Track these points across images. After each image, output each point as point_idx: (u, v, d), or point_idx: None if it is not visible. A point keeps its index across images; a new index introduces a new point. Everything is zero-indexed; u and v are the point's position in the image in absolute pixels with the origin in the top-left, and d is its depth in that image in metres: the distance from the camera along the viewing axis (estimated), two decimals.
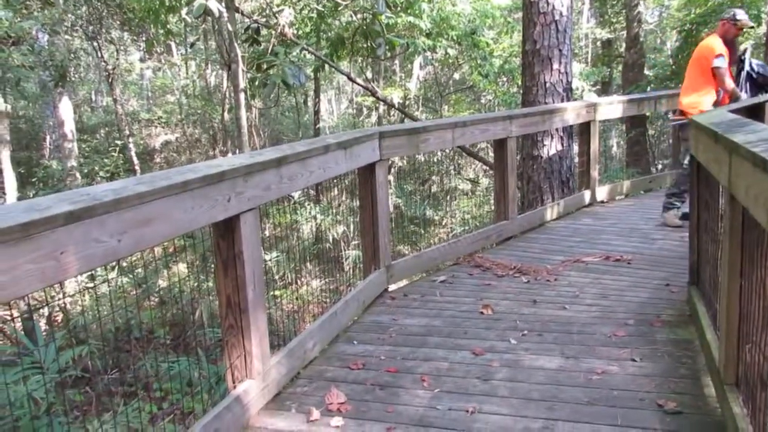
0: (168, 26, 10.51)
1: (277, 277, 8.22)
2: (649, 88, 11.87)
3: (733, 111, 3.46)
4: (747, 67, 5.46)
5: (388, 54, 8.94)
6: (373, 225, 4.02)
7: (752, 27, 6.42)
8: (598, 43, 17.56)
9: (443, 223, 11.32)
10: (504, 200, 5.33)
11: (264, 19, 9.98)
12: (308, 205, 9.59)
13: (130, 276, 8.23)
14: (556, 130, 6.44)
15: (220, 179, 2.35)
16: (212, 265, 3.04)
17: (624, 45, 14.44)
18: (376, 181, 3.97)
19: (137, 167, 14.61)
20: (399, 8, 9.66)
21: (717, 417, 2.44)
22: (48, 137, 17.63)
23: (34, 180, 14.09)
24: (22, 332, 6.42)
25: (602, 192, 6.82)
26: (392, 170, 12.65)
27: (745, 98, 5.24)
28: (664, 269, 4.44)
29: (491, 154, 9.45)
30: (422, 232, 10.94)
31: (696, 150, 3.30)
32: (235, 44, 6.78)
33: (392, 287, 4.29)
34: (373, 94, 11.57)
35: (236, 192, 2.46)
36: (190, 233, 2.62)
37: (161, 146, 17.69)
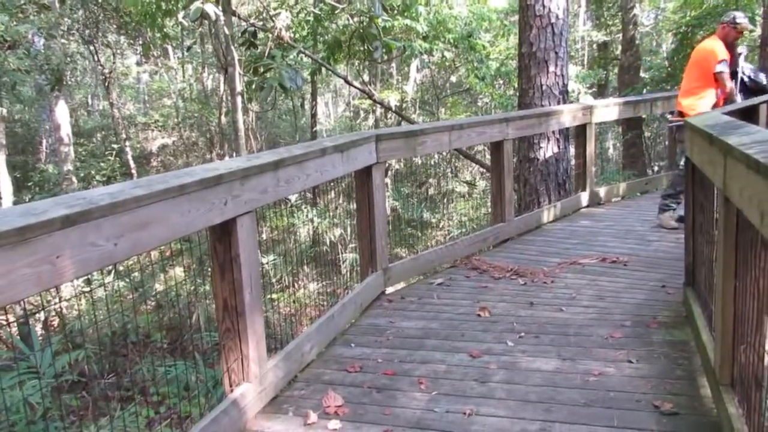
0: (165, 30, 10.51)
1: (274, 280, 8.21)
2: (645, 91, 11.91)
3: (728, 113, 3.48)
4: (740, 73, 5.48)
5: (385, 57, 8.94)
6: (370, 228, 4.03)
7: (752, 30, 6.44)
8: (594, 46, 17.61)
9: (440, 226, 11.32)
10: (501, 202, 5.34)
11: (261, 23, 10.01)
12: (305, 208, 9.58)
13: (127, 280, 8.21)
14: (553, 132, 6.46)
15: (217, 182, 2.35)
16: (209, 269, 3.04)
17: (620, 47, 14.50)
18: (372, 183, 3.98)
19: (134, 171, 14.58)
20: (396, 11, 9.69)
21: (713, 417, 2.45)
22: (44, 141, 17.62)
23: (30, 184, 14.06)
24: (18, 337, 6.39)
25: (599, 194, 6.83)
26: (389, 173, 12.65)
27: (739, 101, 5.27)
28: (660, 271, 4.45)
29: (488, 156, 9.48)
30: (419, 234, 10.95)
31: (691, 152, 3.32)
32: (232, 48, 6.78)
33: (389, 290, 4.29)
34: (370, 97, 11.58)
35: (233, 195, 2.46)
36: (187, 237, 2.62)
37: (158, 150, 17.68)
